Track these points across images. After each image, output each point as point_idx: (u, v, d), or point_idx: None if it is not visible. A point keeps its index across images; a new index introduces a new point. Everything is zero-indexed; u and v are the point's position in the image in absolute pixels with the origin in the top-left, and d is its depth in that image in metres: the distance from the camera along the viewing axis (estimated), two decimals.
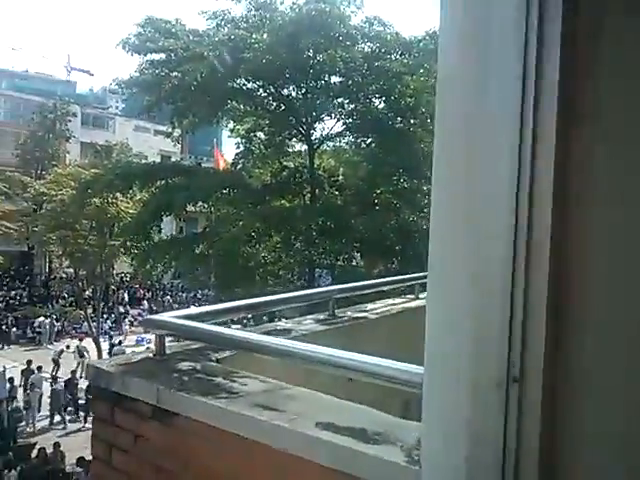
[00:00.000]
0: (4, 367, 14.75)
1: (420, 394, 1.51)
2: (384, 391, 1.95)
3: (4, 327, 23.85)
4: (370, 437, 1.48)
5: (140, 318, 27.16)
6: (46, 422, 14.82)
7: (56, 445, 11.73)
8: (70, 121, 32.22)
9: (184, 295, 30.31)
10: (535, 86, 1.00)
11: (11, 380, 15.21)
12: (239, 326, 10.29)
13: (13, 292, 28.62)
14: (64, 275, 28.65)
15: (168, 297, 31.02)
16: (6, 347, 22.17)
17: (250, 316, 11.99)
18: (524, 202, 1.02)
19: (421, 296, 3.96)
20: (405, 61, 13.53)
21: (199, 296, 27.67)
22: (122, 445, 1.97)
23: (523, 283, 1.04)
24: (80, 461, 10.40)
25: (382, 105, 14.19)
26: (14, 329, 23.42)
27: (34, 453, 11.71)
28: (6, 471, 10.64)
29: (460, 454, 1.25)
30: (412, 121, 13.42)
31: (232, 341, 2.07)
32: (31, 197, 24.23)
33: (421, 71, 13.29)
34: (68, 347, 19.91)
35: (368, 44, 14.04)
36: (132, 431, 1.94)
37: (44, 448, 11.71)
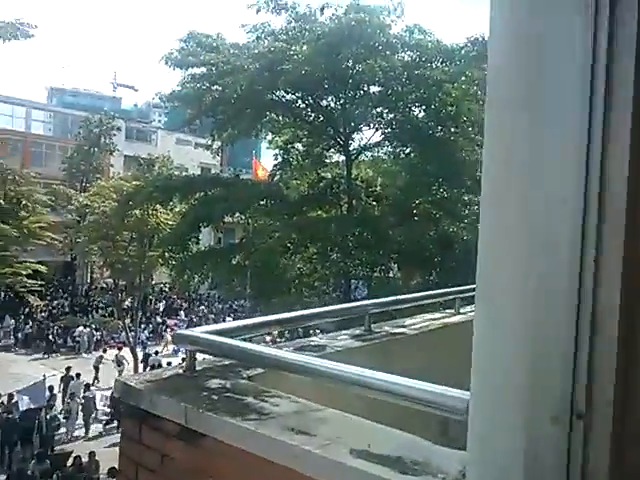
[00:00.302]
0: (44, 375, 15.10)
1: (463, 420, 1.38)
2: (415, 411, 1.81)
3: (46, 336, 24.56)
4: (408, 466, 1.36)
5: (176, 328, 27.59)
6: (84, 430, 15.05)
7: (91, 454, 11.86)
8: (114, 135, 33.26)
9: (220, 306, 30.56)
10: (606, 78, 0.87)
11: (50, 388, 15.54)
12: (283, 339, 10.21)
13: (55, 302, 29.48)
14: (104, 285, 29.41)
15: (204, 308, 31.38)
16: (47, 356, 22.78)
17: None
18: (593, 206, 0.89)
19: (462, 311, 3.79)
20: (446, 69, 13.33)
21: (235, 307, 27.84)
22: (148, 464, 1.90)
23: (591, 301, 0.91)
24: (111, 471, 10.46)
25: (422, 114, 14.01)
26: (56, 338, 24.05)
27: (70, 461, 11.87)
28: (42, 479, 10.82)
29: None
30: (453, 130, 13.17)
31: (262, 359, 1.98)
32: (75, 209, 25.03)
33: (462, 79, 13.06)
34: (105, 351, 20.36)
35: (408, 53, 13.92)
36: (159, 450, 1.87)
37: (79, 457, 11.88)
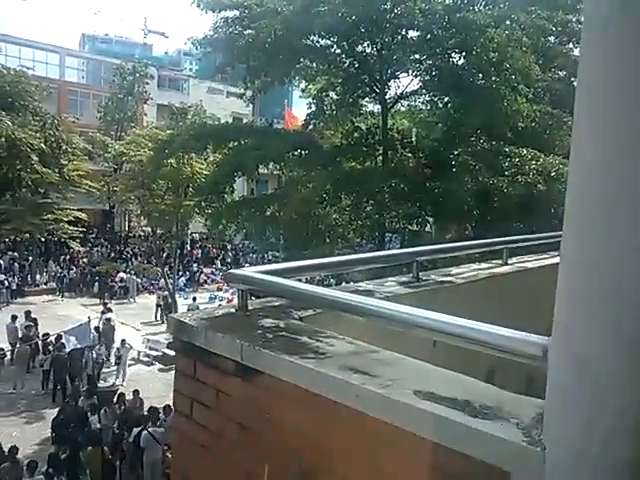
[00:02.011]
0: (89, 317, 15.73)
1: (534, 367, 1.32)
2: (468, 359, 1.77)
3: (88, 281, 25.49)
4: (478, 410, 1.31)
5: (213, 277, 28.29)
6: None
7: (135, 392, 12.49)
8: (148, 83, 33.16)
9: (254, 256, 31.01)
10: None
11: (96, 329, 16.29)
12: None
13: (96, 248, 30.40)
14: (142, 233, 30.05)
15: (239, 257, 31.94)
16: (90, 299, 23.72)
17: (318, 279, 12.02)
18: None
19: (510, 262, 3.68)
20: (489, 12, 12.61)
21: (269, 257, 28.22)
22: (204, 400, 1.92)
23: None
24: (152, 409, 10.99)
25: (462, 61, 13.36)
26: (98, 283, 24.95)
27: (115, 399, 12.53)
28: (89, 414, 11.46)
29: (595, 439, 1.06)
30: (495, 78, 12.53)
31: (317, 298, 1.94)
32: (111, 157, 25.34)
33: (507, 23, 12.36)
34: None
35: None
36: (214, 386, 1.88)
37: (123, 394, 12.54)
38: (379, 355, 1.69)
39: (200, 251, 32.30)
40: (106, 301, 20.82)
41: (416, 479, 1.35)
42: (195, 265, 29.78)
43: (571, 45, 14.26)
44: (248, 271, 2.17)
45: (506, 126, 12.27)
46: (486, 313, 2.72)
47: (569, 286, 1.12)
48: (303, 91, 17.20)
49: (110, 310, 18.11)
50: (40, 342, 15.73)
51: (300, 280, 2.28)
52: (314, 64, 14.90)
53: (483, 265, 3.68)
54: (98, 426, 11.21)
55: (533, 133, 12.76)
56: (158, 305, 21.15)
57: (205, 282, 27.85)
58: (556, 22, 13.55)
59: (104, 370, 15.59)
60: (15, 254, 26.82)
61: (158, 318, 20.74)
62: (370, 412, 1.42)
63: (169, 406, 10.49)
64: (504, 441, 1.18)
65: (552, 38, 14.15)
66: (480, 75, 12.79)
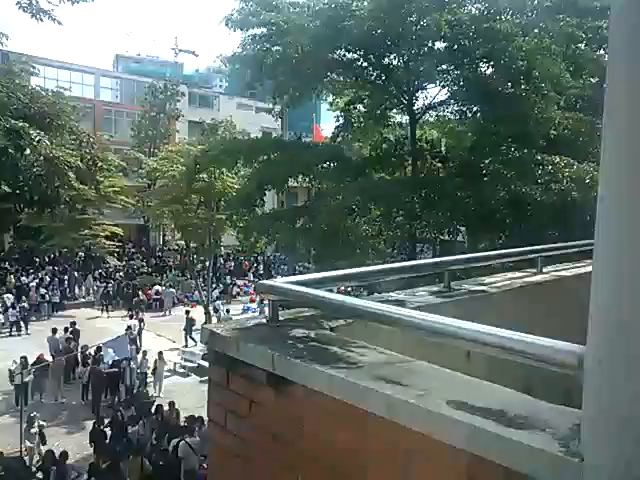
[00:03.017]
0: (128, 327, 16.02)
1: (573, 375, 1.30)
2: (502, 369, 1.74)
3: (126, 294, 26.04)
4: (513, 420, 1.29)
5: (245, 288, 28.58)
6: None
7: (171, 403, 12.71)
8: (179, 101, 33.94)
9: (285, 267, 31.19)
10: None
11: (134, 341, 16.61)
12: None
13: (132, 262, 31.11)
14: (176, 247, 30.62)
15: (270, 269, 32.19)
16: (126, 312, 24.20)
17: (349, 290, 11.99)
18: None
19: (545, 270, 3.61)
20: (517, 21, 12.48)
21: (300, 269, 28.32)
22: (237, 410, 1.94)
23: None
24: (188, 419, 11.18)
25: (490, 70, 13.26)
26: (135, 296, 25.46)
27: (153, 410, 12.76)
28: (129, 426, 11.68)
29: (633, 450, 1.04)
30: (524, 86, 12.37)
31: (350, 309, 1.95)
32: (145, 173, 26.00)
33: (535, 31, 12.21)
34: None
35: (476, 5, 13.14)
36: (247, 396, 1.90)
37: (161, 405, 12.75)
38: (411, 365, 1.68)
39: (233, 263, 32.69)
40: (132, 313, 20.80)
41: None
42: (228, 277, 30.14)
43: (602, 51, 13.96)
44: (278, 282, 2.20)
45: (538, 134, 12.05)
46: (520, 322, 2.68)
47: (602, 296, 1.10)
48: (331, 104, 17.30)
49: (137, 319, 18.44)
50: (79, 354, 16.14)
51: (331, 291, 2.30)
52: (341, 77, 15.00)
53: (517, 274, 3.62)
54: (137, 437, 11.41)
55: (566, 140, 12.51)
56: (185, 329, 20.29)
57: (238, 294, 28.12)
58: (586, 29, 13.31)
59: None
60: (55, 268, 27.64)
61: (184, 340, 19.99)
62: (403, 422, 1.41)
63: (202, 417, 10.65)
64: (540, 451, 1.16)
65: (582, 45, 13.88)
66: (509, 84, 12.64)
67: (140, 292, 25.23)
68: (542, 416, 1.30)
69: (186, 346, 18.54)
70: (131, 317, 19.65)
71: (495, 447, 1.22)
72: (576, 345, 1.30)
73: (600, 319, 1.11)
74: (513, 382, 1.82)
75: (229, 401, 1.97)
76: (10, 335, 20.22)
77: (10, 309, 21.03)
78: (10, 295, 22.61)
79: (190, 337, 18.88)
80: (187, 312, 20.42)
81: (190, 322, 19.49)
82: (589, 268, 1.20)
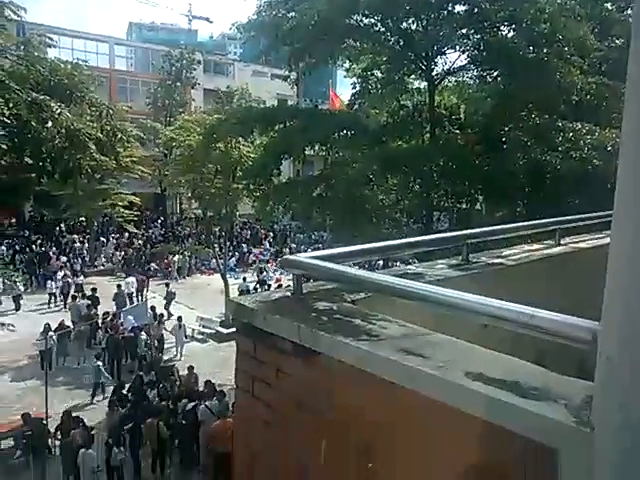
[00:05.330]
0: (146, 297, 16.39)
1: (588, 349, 1.35)
2: (518, 341, 1.80)
3: (144, 261, 26.51)
4: (528, 392, 1.36)
5: (261, 257, 28.84)
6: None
7: (190, 368, 13.03)
8: (195, 69, 33.58)
9: (301, 236, 31.33)
10: None
11: (152, 308, 16.99)
12: None
13: (150, 231, 31.49)
14: (193, 216, 30.86)
15: (286, 238, 32.37)
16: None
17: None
18: None
19: (563, 242, 3.62)
20: None
21: (315, 237, 28.45)
22: (264, 378, 2.04)
23: None
24: (206, 384, 11.51)
25: (512, 34, 12.92)
26: (152, 264, 25.91)
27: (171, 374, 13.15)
28: (149, 390, 12.07)
29: None
30: (547, 50, 12.04)
31: (371, 284, 2.02)
32: (162, 143, 26.03)
33: None
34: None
35: None
36: (274, 365, 1.99)
37: (178, 370, 13.14)
38: (431, 337, 1.75)
39: (249, 232, 32.91)
40: (131, 273, 21.22)
41: (467, 456, 1.42)
42: (244, 246, 30.42)
43: (629, 11, 13.46)
44: (302, 257, 2.27)
45: (559, 100, 11.82)
46: (537, 295, 2.73)
47: (619, 270, 1.14)
48: (347, 71, 17.04)
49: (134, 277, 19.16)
50: (100, 320, 16.61)
51: (350, 265, 2.37)
52: (358, 43, 14.72)
53: (535, 246, 3.65)
54: (156, 400, 11.79)
55: (589, 106, 12.24)
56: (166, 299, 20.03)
57: (254, 262, 28.42)
58: None
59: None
60: (75, 236, 28.16)
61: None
62: (424, 392, 1.49)
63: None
64: (553, 421, 1.22)
65: (608, 5, 13.40)
66: (531, 48, 12.32)
67: (156, 261, 25.72)
68: (555, 387, 1.37)
69: (168, 319, 17.95)
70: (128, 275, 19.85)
71: (511, 417, 1.29)
72: (589, 321, 1.35)
73: (615, 294, 1.16)
74: (530, 354, 1.89)
75: (256, 369, 2.07)
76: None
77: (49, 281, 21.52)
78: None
79: (167, 310, 18.71)
80: (167, 285, 20.77)
81: (170, 295, 19.76)
82: (608, 240, 1.22)
